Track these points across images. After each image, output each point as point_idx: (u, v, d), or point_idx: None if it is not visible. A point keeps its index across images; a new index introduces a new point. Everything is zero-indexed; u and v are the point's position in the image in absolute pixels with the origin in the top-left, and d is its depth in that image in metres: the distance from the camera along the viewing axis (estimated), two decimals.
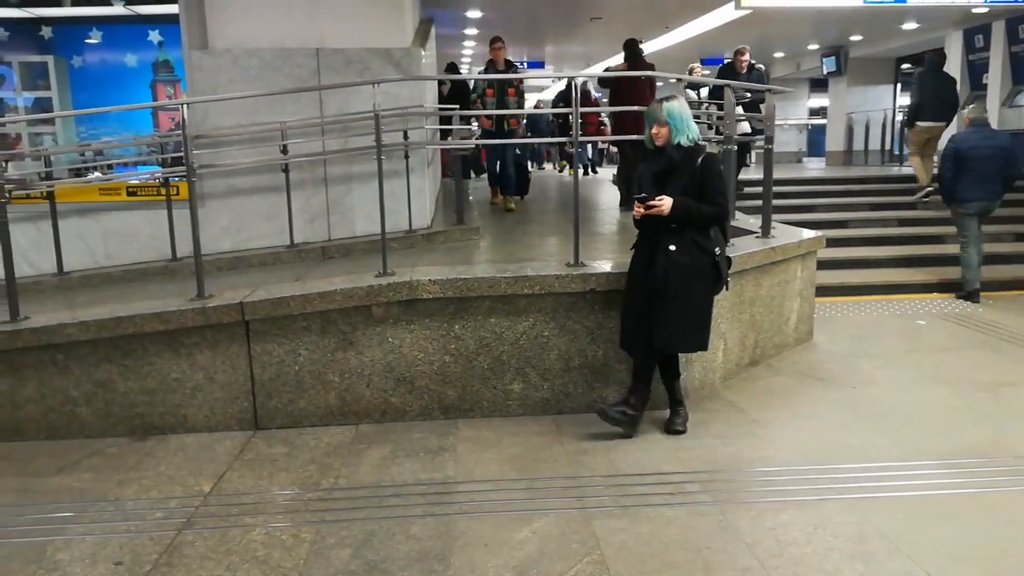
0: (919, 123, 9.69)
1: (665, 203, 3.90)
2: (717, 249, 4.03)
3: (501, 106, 7.96)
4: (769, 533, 3.06)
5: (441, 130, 6.94)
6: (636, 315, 4.03)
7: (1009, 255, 8.46)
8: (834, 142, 16.39)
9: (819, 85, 19.18)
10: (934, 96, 9.58)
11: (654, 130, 4.05)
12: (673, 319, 3.93)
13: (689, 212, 3.93)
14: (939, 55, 10.09)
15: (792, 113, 19.80)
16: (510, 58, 8.46)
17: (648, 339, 3.98)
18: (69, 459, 3.96)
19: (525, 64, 18.16)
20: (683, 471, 3.64)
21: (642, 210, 3.94)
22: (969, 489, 3.43)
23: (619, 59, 9.31)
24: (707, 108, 7.40)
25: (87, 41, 6.62)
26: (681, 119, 4.00)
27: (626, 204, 9.01)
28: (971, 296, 7.26)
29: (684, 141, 4.00)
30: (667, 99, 4.07)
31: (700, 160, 4.00)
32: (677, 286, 3.91)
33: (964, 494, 3.38)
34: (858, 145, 15.75)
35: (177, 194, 6.27)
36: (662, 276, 3.93)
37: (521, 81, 8.24)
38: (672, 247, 3.94)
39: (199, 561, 2.96)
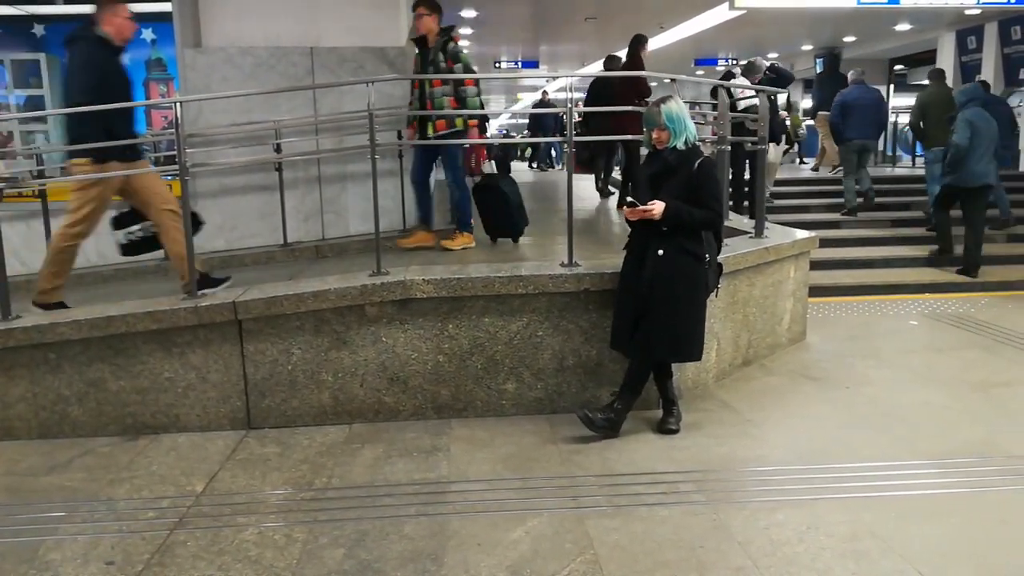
0: (820, 112, 12.13)
1: (656, 207, 3.86)
2: (707, 255, 3.98)
3: (423, 102, 5.59)
4: (762, 532, 3.06)
5: None
6: (627, 317, 4.02)
7: (1003, 256, 8.50)
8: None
9: (813, 86, 19.19)
10: (832, 93, 11.11)
11: (655, 135, 4.01)
12: (661, 325, 3.90)
13: (680, 216, 3.88)
14: (835, 58, 13.07)
15: None
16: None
17: (640, 342, 3.97)
18: (61, 458, 3.95)
19: (519, 64, 17.77)
20: (677, 471, 3.64)
21: (634, 214, 3.92)
22: (962, 488, 3.44)
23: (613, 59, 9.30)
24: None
25: None
26: (679, 121, 3.96)
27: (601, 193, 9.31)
28: (852, 212, 9.45)
29: (681, 144, 3.98)
30: (663, 101, 4.01)
31: (697, 164, 3.96)
32: (664, 292, 3.89)
33: (957, 493, 3.39)
34: None
35: None
36: (648, 281, 3.91)
37: (453, 59, 5.55)
38: (660, 251, 3.91)
39: (191, 561, 2.94)
